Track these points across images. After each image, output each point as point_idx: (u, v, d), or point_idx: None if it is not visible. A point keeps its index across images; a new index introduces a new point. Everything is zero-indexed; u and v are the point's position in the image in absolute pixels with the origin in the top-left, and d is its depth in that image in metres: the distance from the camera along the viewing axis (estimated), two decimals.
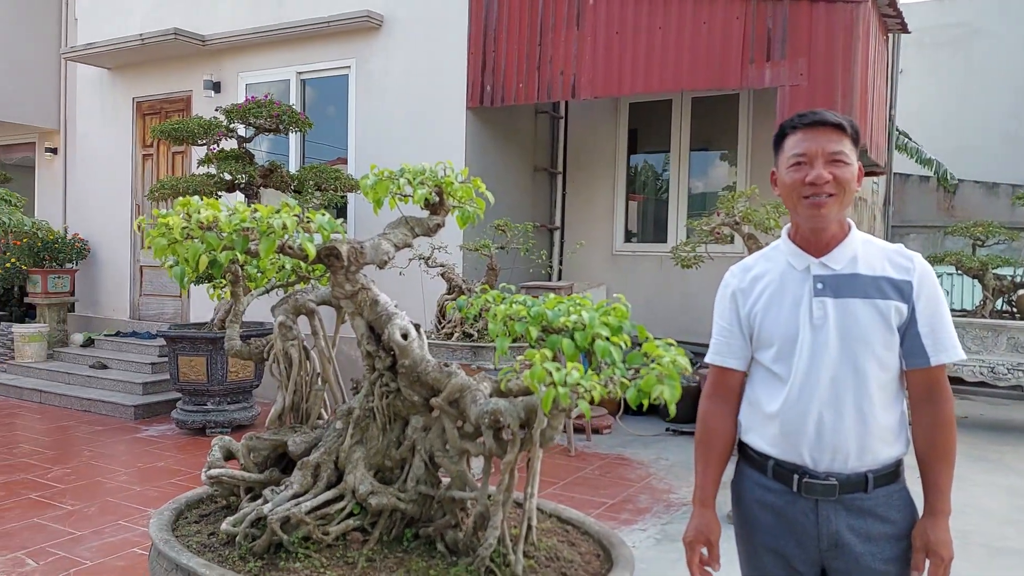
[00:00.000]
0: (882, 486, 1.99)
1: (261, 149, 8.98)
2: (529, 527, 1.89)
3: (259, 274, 2.22)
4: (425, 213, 2.24)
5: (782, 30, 6.28)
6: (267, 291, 2.17)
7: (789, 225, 2.11)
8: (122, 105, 10.67)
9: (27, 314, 11.34)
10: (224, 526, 1.83)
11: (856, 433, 1.96)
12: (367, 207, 9.05)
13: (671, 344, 1.81)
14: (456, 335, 5.91)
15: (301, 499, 1.87)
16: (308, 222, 1.76)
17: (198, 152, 8.87)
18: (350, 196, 8.39)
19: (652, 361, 1.71)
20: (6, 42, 11.78)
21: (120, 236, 10.75)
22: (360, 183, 2.14)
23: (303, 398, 2.17)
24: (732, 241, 7.67)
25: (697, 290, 8.20)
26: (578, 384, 1.58)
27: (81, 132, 11.33)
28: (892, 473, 2.02)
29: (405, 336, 1.95)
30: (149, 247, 1.68)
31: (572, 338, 1.76)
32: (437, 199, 2.15)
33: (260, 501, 1.91)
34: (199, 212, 1.67)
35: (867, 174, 8.45)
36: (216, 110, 7.91)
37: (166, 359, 8.03)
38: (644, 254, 8.76)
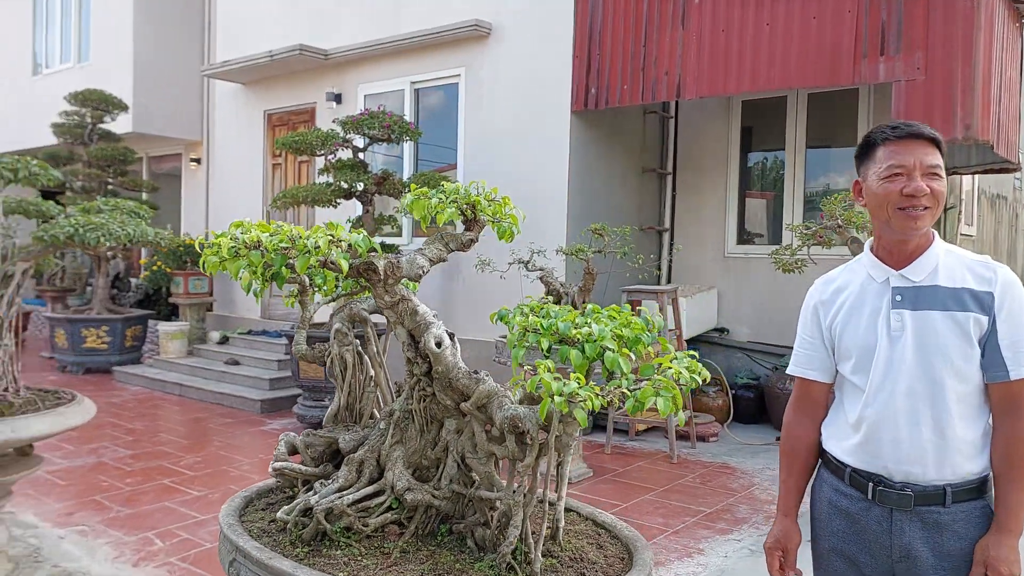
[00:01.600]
0: (962, 501, 1.95)
1: (380, 152, 9.40)
2: (556, 528, 1.96)
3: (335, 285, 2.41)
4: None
5: (897, 23, 5.96)
6: (332, 300, 2.34)
7: (872, 238, 2.12)
8: (254, 118, 11.42)
9: (172, 313, 12.33)
10: (279, 514, 2.02)
11: (933, 445, 1.94)
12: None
13: (690, 355, 1.84)
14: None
15: (345, 492, 2.03)
16: (340, 241, 1.90)
17: (321, 162, 9.38)
18: None
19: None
20: (157, 62, 12.86)
21: None
22: (401, 201, 2.27)
23: (357, 399, 2.33)
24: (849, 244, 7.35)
25: None
26: (575, 394, 1.64)
27: (219, 143, 12.21)
28: (974, 489, 1.97)
29: (439, 344, 2.06)
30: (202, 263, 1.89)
31: (582, 349, 1.81)
32: (472, 215, 2.25)
33: (310, 492, 2.08)
34: (247, 233, 1.85)
35: (997, 171, 7.86)
36: (333, 122, 8.34)
37: (290, 356, 8.54)
38: (758, 257, 8.51)
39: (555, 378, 1.64)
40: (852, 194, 2.15)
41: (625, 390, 1.70)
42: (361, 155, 8.09)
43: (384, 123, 7.58)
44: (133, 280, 13.70)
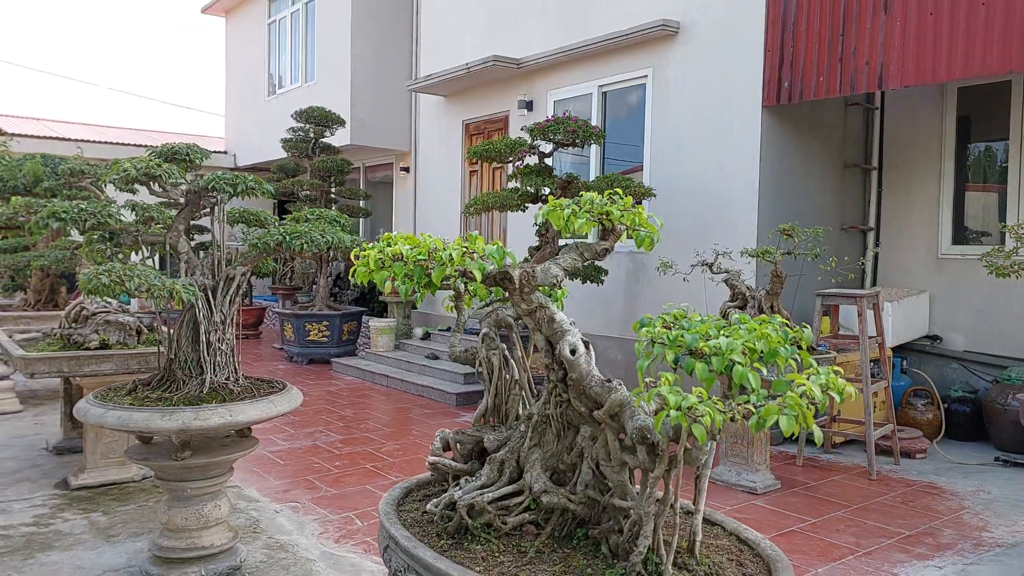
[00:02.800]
0: None
1: (569, 155, 9.58)
2: (693, 541, 1.94)
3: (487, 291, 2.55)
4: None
5: None
6: (486, 305, 2.48)
7: None
8: (454, 127, 12.05)
9: (383, 310, 13.32)
10: (428, 506, 2.19)
11: None
12: (658, 214, 9.21)
13: (835, 371, 1.75)
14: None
15: (486, 490, 2.14)
16: (473, 252, 2.02)
17: (511, 167, 9.73)
18: (645, 203, 8.59)
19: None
20: (371, 79, 13.93)
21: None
22: (539, 211, 2.35)
23: (503, 400, 2.44)
24: None
25: None
26: (693, 408, 1.62)
27: (423, 153, 13.01)
28: None
29: (574, 351, 2.12)
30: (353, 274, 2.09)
31: (709, 362, 1.78)
32: (610, 225, 2.27)
33: (457, 487, 2.23)
34: (392, 246, 2.03)
35: None
36: (521, 129, 8.62)
37: None
38: (977, 258, 7.70)
39: (673, 391, 1.65)
40: None
41: (751, 407, 1.67)
42: (547, 160, 8.30)
43: (569, 128, 7.73)
44: (351, 279, 14.94)
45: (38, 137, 17.24)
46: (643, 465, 1.90)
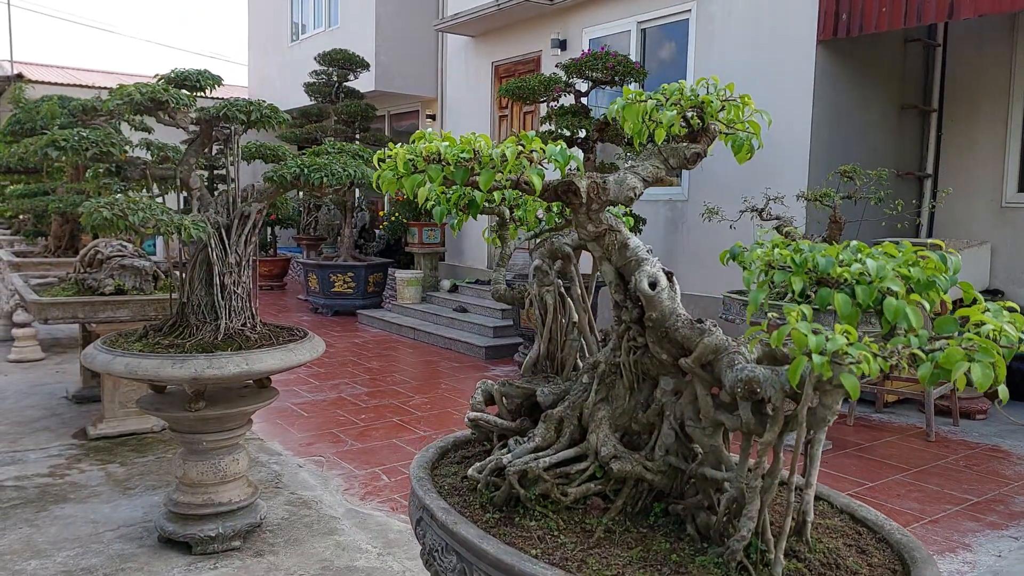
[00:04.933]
0: None
1: (605, 97, 9.08)
2: (803, 521, 1.56)
3: (535, 219, 2.16)
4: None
5: None
6: (536, 235, 2.10)
7: None
8: (483, 70, 11.54)
9: (409, 262, 13.01)
10: (470, 472, 1.81)
11: None
12: (707, 161, 8.58)
13: (1011, 309, 1.35)
14: (789, 296, 5.38)
15: (542, 454, 1.75)
16: (531, 152, 1.61)
17: (544, 110, 9.24)
18: None
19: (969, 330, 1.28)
20: (397, 22, 13.41)
21: None
22: (610, 107, 1.94)
23: (558, 347, 2.06)
24: None
25: None
26: (844, 353, 1.22)
27: (450, 99, 12.52)
28: None
29: (653, 285, 1.71)
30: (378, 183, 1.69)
31: (851, 293, 1.38)
32: (700, 123, 1.85)
33: (504, 450, 1.85)
34: (426, 144, 1.62)
35: None
36: (556, 66, 8.12)
37: (512, 305, 8.61)
38: None
39: (813, 330, 1.25)
40: None
41: (917, 350, 1.27)
42: (584, 100, 7.82)
43: (607, 64, 7.23)
44: (377, 231, 14.62)
45: (59, 84, 17.00)
46: (747, 427, 1.51)
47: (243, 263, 3.94)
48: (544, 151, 1.65)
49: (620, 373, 1.79)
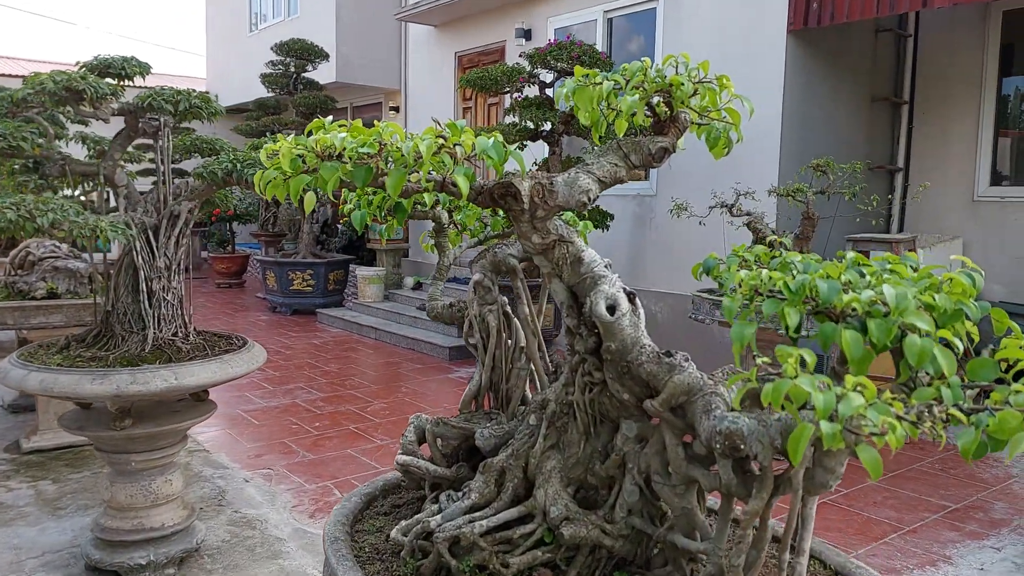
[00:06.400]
0: None
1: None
2: None
3: (479, 223, 1.87)
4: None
5: None
6: (480, 243, 1.81)
7: None
8: (446, 60, 11.20)
9: (372, 259, 12.65)
10: (393, 533, 1.49)
11: None
12: (676, 154, 8.24)
13: None
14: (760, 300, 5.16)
15: (478, 515, 1.44)
16: (455, 146, 1.31)
17: (508, 102, 8.95)
18: None
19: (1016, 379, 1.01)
20: (357, 12, 13.01)
21: None
22: (555, 94, 1.65)
23: (503, 377, 1.77)
24: None
25: None
26: (860, 416, 0.94)
27: (413, 90, 12.16)
28: None
29: (612, 309, 1.42)
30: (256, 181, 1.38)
31: (862, 328, 1.10)
32: (667, 111, 1.56)
33: (435, 505, 1.55)
34: (319, 137, 1.30)
35: None
36: (520, 56, 7.83)
37: None
38: (1018, 200, 7.04)
39: (820, 385, 0.96)
40: None
41: (956, 411, 0.99)
42: (549, 91, 7.53)
43: (573, 54, 6.95)
44: (339, 226, 14.23)
45: (9, 76, 16.34)
46: (728, 489, 1.23)
47: (173, 266, 3.61)
48: (472, 145, 1.36)
49: (574, 414, 1.50)
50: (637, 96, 1.48)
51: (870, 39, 7.66)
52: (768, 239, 5.44)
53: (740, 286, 1.24)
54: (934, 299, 1.14)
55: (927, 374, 1.09)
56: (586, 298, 1.45)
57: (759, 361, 1.14)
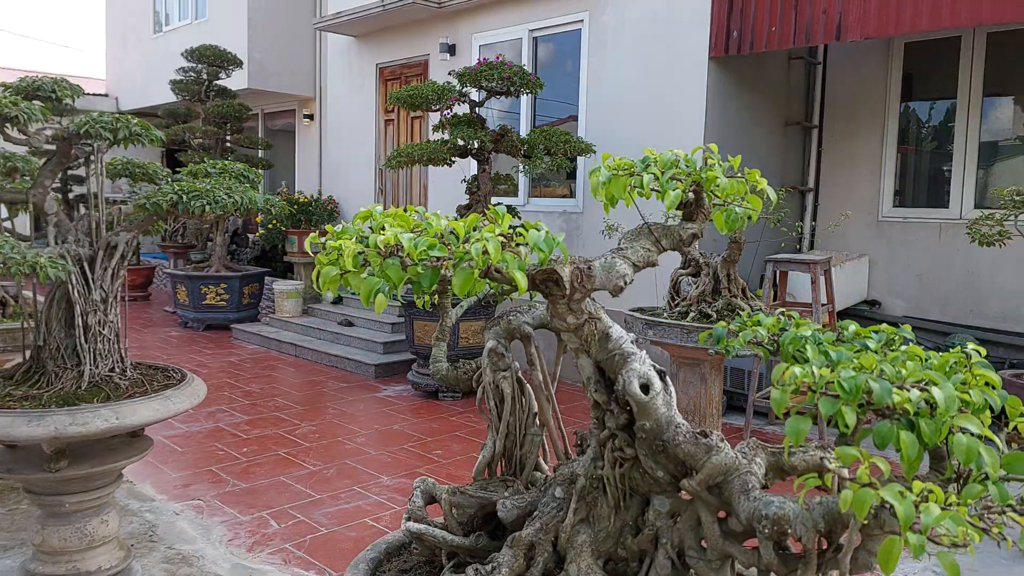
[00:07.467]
0: None
1: (493, 108, 8.85)
2: None
3: None
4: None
5: None
6: (480, 301, 1.82)
7: None
8: (366, 72, 11.07)
9: (288, 270, 12.34)
10: None
11: None
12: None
13: None
14: (692, 315, 5.34)
15: None
16: (517, 245, 1.34)
17: (434, 118, 8.94)
18: (580, 160, 8.01)
19: None
20: (271, 17, 12.69)
21: (366, 199, 11.27)
22: (590, 179, 1.71)
23: (516, 443, 1.79)
24: None
25: (987, 267, 6.90)
26: (938, 526, 1.01)
27: (331, 99, 11.96)
28: None
29: (646, 388, 1.46)
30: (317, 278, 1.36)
31: (913, 427, 1.17)
32: (693, 198, 1.64)
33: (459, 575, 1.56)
34: (379, 231, 1.29)
35: None
36: (449, 74, 7.84)
37: (404, 320, 8.26)
38: (919, 221, 7.51)
39: (900, 495, 1.01)
40: None
41: (1014, 514, 1.06)
42: (478, 110, 7.57)
43: (504, 74, 7.01)
44: (250, 236, 13.83)
45: None
46: (769, 567, 1.29)
47: (110, 299, 3.45)
48: (530, 240, 1.38)
49: (603, 488, 1.53)
50: (680, 189, 1.54)
51: (784, 66, 8.04)
52: (690, 259, 5.56)
53: (789, 383, 1.28)
54: (970, 395, 1.23)
55: (978, 473, 1.16)
56: (617, 375, 1.49)
57: (830, 461, 1.20)
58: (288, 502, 4.91)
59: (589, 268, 1.47)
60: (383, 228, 1.34)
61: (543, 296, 1.48)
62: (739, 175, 1.62)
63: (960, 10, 5.59)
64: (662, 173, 1.60)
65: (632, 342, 1.53)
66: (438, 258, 1.29)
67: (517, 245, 1.36)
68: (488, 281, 1.38)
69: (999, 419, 1.27)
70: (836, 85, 8.12)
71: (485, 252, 1.28)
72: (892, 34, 6.12)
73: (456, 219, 1.39)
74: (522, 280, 1.31)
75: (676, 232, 1.63)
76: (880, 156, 7.77)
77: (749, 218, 5.59)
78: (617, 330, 1.55)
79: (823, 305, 6.23)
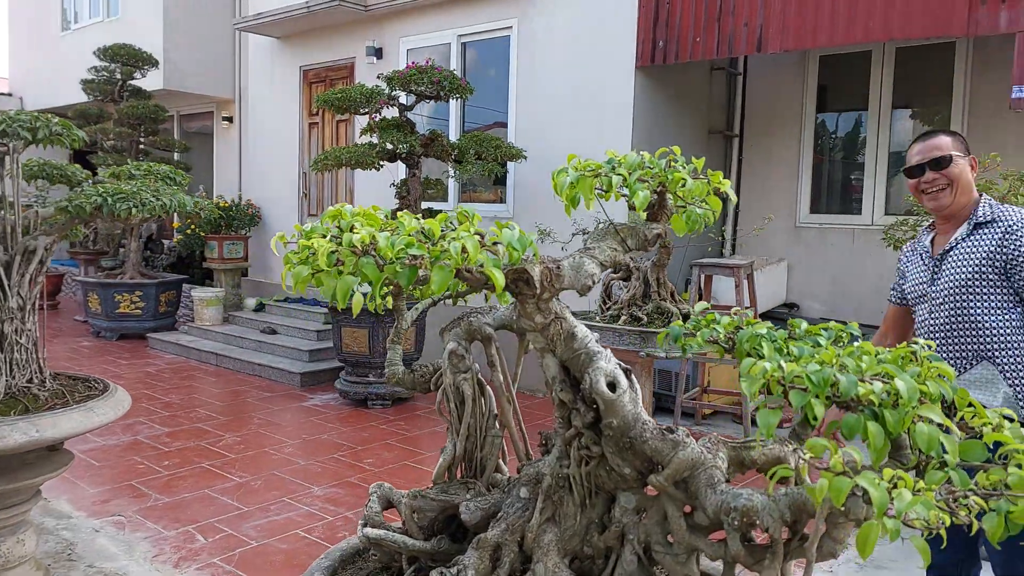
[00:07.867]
0: None
1: (422, 114, 8.80)
2: None
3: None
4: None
5: None
6: (435, 303, 1.81)
7: None
8: (290, 74, 10.86)
9: (207, 277, 11.96)
10: None
11: None
12: (527, 177, 8.47)
13: (1010, 418, 1.27)
14: (624, 318, 5.43)
15: None
16: (494, 244, 1.34)
17: (361, 121, 8.82)
18: (511, 165, 8.04)
19: (1003, 460, 1.16)
20: (188, 16, 12.31)
21: (289, 203, 11.03)
22: (554, 179, 1.72)
23: (477, 445, 1.78)
24: None
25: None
26: (913, 511, 1.06)
27: (252, 101, 11.68)
28: None
29: (612, 386, 1.49)
30: (288, 273, 1.32)
31: (879, 419, 1.23)
32: (656, 199, 1.67)
33: None
34: (352, 232, 1.26)
35: None
36: (378, 77, 7.76)
37: (330, 327, 8.11)
38: (833, 227, 7.84)
39: (874, 483, 1.06)
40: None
41: (979, 499, 1.11)
42: (407, 114, 7.52)
43: (434, 79, 6.99)
44: (166, 242, 13.35)
45: None
46: (736, 558, 1.32)
47: (27, 307, 3.28)
48: (503, 238, 1.37)
49: (569, 487, 1.54)
50: (648, 191, 1.57)
51: (706, 76, 8.27)
52: (622, 264, 5.65)
53: (757, 376, 1.32)
54: (927, 386, 1.29)
55: (937, 458, 1.22)
56: (583, 374, 1.50)
57: (803, 454, 1.23)
58: (215, 515, 4.75)
59: (558, 268, 1.48)
60: (352, 228, 1.31)
61: (512, 295, 1.48)
62: (702, 176, 1.66)
63: (873, 26, 5.88)
64: (629, 174, 1.62)
65: (596, 341, 1.55)
66: (415, 256, 1.27)
67: (494, 243, 1.36)
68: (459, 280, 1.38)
69: (948, 410, 1.35)
70: (756, 96, 8.40)
71: (464, 251, 1.27)
72: (810, 46, 6.38)
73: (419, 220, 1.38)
74: (500, 279, 1.31)
75: (641, 232, 1.66)
76: (797, 164, 8.09)
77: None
78: (582, 329, 1.57)
79: (746, 308, 6.43)
